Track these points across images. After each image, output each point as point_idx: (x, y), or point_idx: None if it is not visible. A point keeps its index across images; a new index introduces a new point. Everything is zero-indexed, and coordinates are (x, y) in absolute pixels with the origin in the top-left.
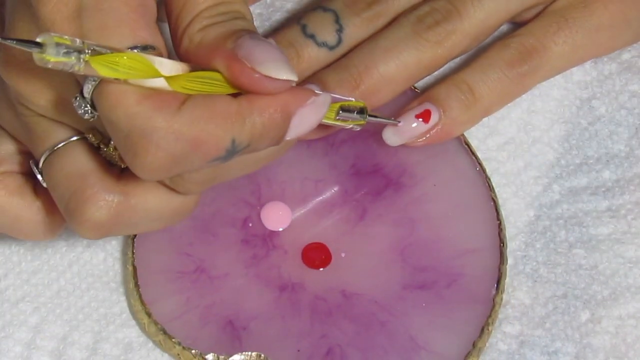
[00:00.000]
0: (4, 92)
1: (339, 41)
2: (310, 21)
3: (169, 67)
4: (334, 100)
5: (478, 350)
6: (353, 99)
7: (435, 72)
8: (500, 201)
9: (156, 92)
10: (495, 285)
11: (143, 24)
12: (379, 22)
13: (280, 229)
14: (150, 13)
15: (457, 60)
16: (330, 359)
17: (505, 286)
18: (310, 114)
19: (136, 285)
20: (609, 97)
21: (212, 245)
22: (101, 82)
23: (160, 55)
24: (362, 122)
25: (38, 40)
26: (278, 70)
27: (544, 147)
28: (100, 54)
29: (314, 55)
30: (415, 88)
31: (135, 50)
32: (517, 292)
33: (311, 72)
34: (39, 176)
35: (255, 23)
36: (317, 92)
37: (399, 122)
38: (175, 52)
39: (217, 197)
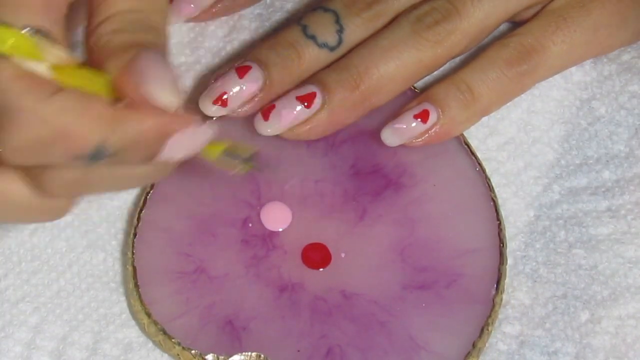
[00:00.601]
0: None
1: (340, 42)
2: (311, 22)
3: (56, 56)
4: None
5: (478, 351)
6: (247, 143)
7: (435, 72)
8: (500, 201)
9: (31, 74)
10: (495, 286)
11: (43, 10)
12: (379, 22)
13: (280, 229)
14: (56, 5)
15: (457, 60)
16: (330, 359)
17: (505, 286)
18: (187, 141)
19: (136, 285)
20: (609, 98)
21: (212, 246)
22: None
23: (53, 43)
24: (246, 169)
25: None
26: (162, 94)
27: (544, 147)
28: None
29: (314, 56)
30: (415, 88)
31: (27, 32)
32: (517, 293)
33: (311, 72)
34: None
35: (255, 23)
36: (201, 123)
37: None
38: (83, 42)
39: (217, 197)
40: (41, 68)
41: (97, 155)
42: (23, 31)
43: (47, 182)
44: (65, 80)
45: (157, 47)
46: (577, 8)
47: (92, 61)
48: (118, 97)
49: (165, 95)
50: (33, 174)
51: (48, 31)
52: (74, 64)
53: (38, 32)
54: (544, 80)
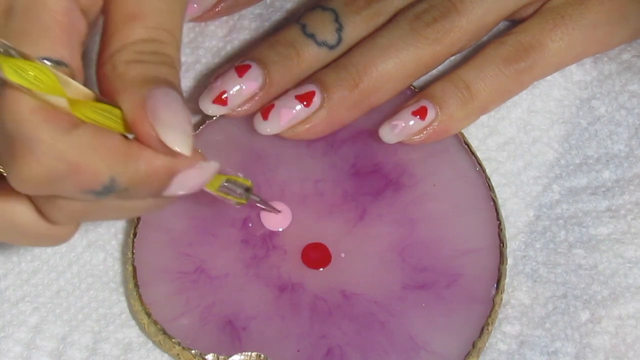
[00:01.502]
0: None
1: (339, 40)
2: (310, 20)
3: (74, 89)
4: (222, 172)
5: (478, 350)
6: (242, 176)
7: (433, 71)
8: (500, 201)
9: (53, 107)
10: (495, 285)
11: (65, 41)
12: (379, 20)
13: (280, 229)
14: (76, 35)
15: (455, 58)
16: (330, 359)
17: (505, 286)
18: (194, 177)
19: (136, 285)
20: (609, 97)
21: (212, 246)
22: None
23: (72, 75)
24: (243, 201)
25: None
26: (175, 141)
27: (544, 147)
28: (10, 55)
29: (314, 55)
30: (414, 87)
31: (48, 63)
32: (517, 292)
33: (311, 71)
34: None
35: (255, 23)
36: (205, 158)
37: (280, 211)
38: (96, 69)
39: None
40: (60, 101)
41: (106, 190)
42: (44, 64)
43: (52, 211)
44: (82, 114)
45: (170, 84)
46: (576, 6)
47: (103, 89)
48: (130, 131)
49: (177, 143)
50: (39, 201)
51: (68, 63)
52: (90, 97)
53: (58, 63)
54: (543, 78)
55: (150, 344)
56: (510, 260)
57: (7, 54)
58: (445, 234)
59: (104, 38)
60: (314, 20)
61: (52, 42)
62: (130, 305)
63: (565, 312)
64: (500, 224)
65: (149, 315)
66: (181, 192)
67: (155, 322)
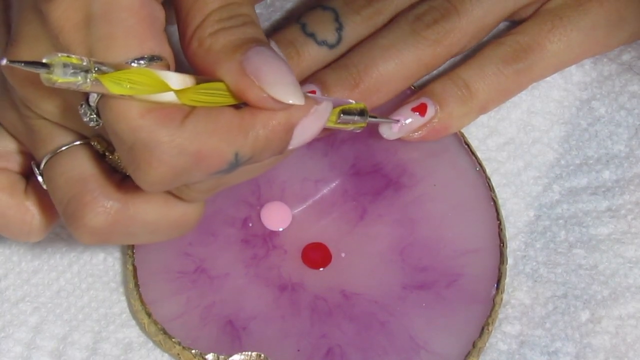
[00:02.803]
0: (8, 93)
1: (339, 39)
2: (310, 20)
3: (176, 80)
4: (335, 104)
5: (478, 350)
6: (353, 101)
7: (434, 71)
8: (500, 201)
9: (159, 105)
10: (495, 285)
11: (150, 34)
12: (379, 20)
13: (280, 229)
14: (158, 23)
15: (455, 59)
16: (330, 359)
17: (505, 286)
18: (313, 123)
19: (136, 285)
20: (609, 98)
21: (212, 245)
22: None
23: (167, 65)
24: (363, 125)
25: (45, 61)
26: (287, 94)
27: (544, 147)
28: (103, 72)
29: (314, 54)
30: (414, 88)
31: (142, 62)
32: (517, 292)
33: (312, 71)
34: (39, 178)
35: None
36: (318, 100)
37: (398, 120)
38: (183, 51)
39: (217, 197)
40: (170, 97)
41: (234, 165)
42: (142, 67)
43: (188, 193)
44: (190, 100)
45: (259, 41)
46: (574, 7)
47: (197, 67)
48: (238, 101)
49: (291, 97)
50: (173, 190)
51: (160, 55)
52: (191, 81)
53: (152, 59)
54: (543, 79)
55: (151, 344)
56: (510, 260)
57: (101, 71)
58: (445, 234)
59: (180, 15)
60: (314, 19)
61: (139, 40)
62: (130, 305)
63: (566, 312)
64: (500, 224)
65: (149, 315)
66: (305, 141)
67: (156, 322)
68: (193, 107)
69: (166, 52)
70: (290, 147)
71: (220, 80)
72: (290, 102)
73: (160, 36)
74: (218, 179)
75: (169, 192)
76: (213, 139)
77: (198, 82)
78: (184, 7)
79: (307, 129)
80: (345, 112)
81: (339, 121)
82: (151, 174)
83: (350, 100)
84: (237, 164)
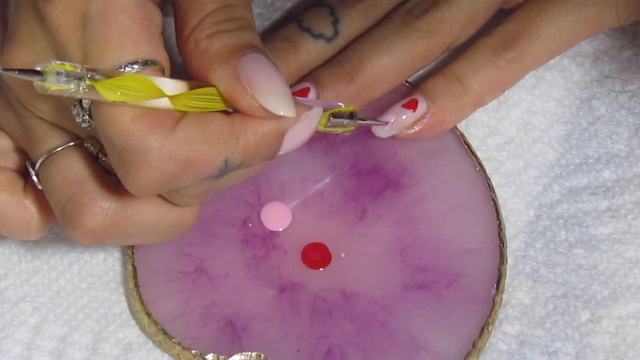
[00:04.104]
0: (4, 92)
1: (336, 32)
2: (306, 17)
3: (170, 86)
4: (325, 108)
5: (478, 350)
6: (342, 104)
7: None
8: (500, 201)
9: (151, 111)
10: (495, 285)
11: (146, 37)
12: (375, 13)
13: (280, 229)
14: (154, 26)
15: (449, 55)
16: (330, 359)
17: (505, 286)
18: (303, 129)
19: (136, 285)
20: (609, 97)
21: (212, 246)
22: None
23: (162, 70)
24: (352, 128)
25: (38, 68)
26: (278, 105)
27: (544, 147)
28: (96, 80)
29: (312, 48)
30: (409, 84)
31: (136, 66)
32: (517, 292)
33: (313, 66)
34: (34, 178)
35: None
36: (308, 105)
37: (387, 123)
38: (179, 49)
39: (217, 197)
40: (163, 102)
41: (224, 171)
42: (132, 68)
43: (179, 198)
44: (183, 106)
45: (255, 47)
46: None
47: (192, 68)
48: (230, 106)
49: (280, 107)
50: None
51: (155, 59)
52: (185, 86)
53: (146, 63)
54: (538, 66)
55: (151, 344)
56: (510, 260)
57: (93, 79)
58: (445, 234)
59: (178, 16)
60: (310, 16)
61: (134, 43)
62: (130, 305)
63: (566, 312)
64: (500, 223)
65: (149, 315)
66: (295, 146)
67: (156, 322)
68: (184, 113)
69: (161, 56)
70: (280, 153)
71: (212, 85)
72: (281, 113)
73: (156, 40)
74: (208, 184)
75: (162, 197)
76: (203, 145)
77: (191, 88)
78: (182, 4)
79: (298, 135)
80: (335, 115)
81: (328, 124)
82: (140, 179)
83: (340, 104)
84: (227, 170)
